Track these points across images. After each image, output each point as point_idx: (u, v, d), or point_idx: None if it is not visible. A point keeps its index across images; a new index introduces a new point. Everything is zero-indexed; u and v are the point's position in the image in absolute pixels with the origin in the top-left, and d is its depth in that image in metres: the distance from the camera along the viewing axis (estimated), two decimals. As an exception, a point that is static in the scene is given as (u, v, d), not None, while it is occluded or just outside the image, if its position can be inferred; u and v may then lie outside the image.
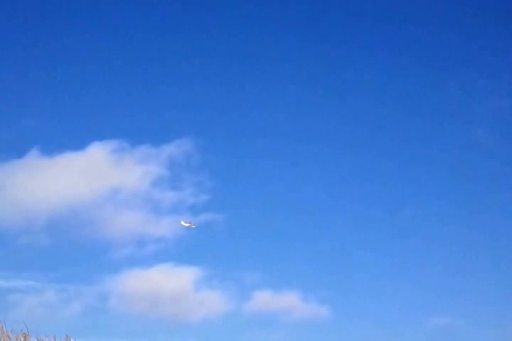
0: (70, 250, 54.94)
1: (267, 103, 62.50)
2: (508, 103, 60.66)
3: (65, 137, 59.97)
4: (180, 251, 56.45)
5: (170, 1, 66.09)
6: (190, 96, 62.46)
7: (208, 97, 62.30)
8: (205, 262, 55.37)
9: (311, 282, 55.26)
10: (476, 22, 63.30)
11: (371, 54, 63.91)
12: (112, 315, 52.37)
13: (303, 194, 60.39)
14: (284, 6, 65.05)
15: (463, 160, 60.01)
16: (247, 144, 61.45)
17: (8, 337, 30.29)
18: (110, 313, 52.70)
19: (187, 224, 52.08)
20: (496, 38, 62.67)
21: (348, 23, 64.52)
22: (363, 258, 56.75)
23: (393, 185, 60.44)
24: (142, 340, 49.70)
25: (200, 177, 58.80)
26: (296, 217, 59.34)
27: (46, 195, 55.96)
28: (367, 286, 55.34)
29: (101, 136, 59.26)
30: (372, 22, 64.20)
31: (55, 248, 54.75)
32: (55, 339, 31.37)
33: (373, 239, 57.56)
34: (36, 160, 57.33)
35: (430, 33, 63.90)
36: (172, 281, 55.08)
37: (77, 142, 58.64)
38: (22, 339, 30.62)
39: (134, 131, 61.09)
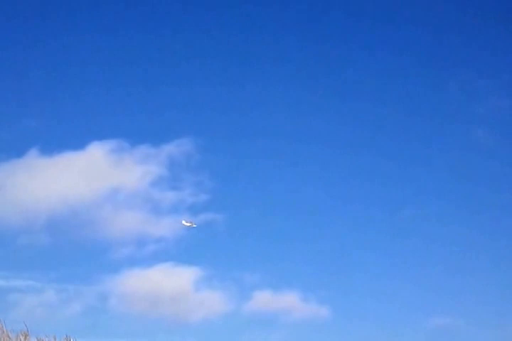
0: (70, 250, 54.97)
1: (267, 103, 62.53)
2: (508, 103, 60.73)
3: (64, 137, 59.95)
4: (180, 251, 56.52)
5: (170, 0, 66.18)
6: (190, 96, 62.50)
7: (208, 97, 62.34)
8: (205, 262, 55.43)
9: (311, 282, 55.31)
10: (476, 22, 63.41)
11: (371, 54, 63.99)
12: (112, 315, 52.40)
13: (303, 194, 60.44)
14: (284, 6, 65.11)
15: (463, 160, 60.04)
16: (247, 144, 61.49)
17: (8, 336, 30.27)
18: (110, 313, 52.72)
19: (188, 224, 52.01)
20: (496, 37, 62.77)
21: (348, 23, 64.60)
22: (363, 258, 56.82)
23: (393, 185, 60.47)
24: (142, 340, 49.74)
25: (200, 177, 58.84)
26: (296, 217, 59.40)
27: (46, 194, 55.98)
28: (367, 286, 55.41)
29: (100, 135, 59.25)
30: (372, 22, 64.26)
31: (54, 248, 54.77)
32: (55, 339, 31.35)
33: (373, 239, 57.61)
34: (36, 159, 57.36)
35: (430, 33, 64.02)
36: (172, 281, 55.13)
37: (77, 142, 58.63)
38: (22, 339, 30.59)
39: (133, 130, 61.06)
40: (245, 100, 62.76)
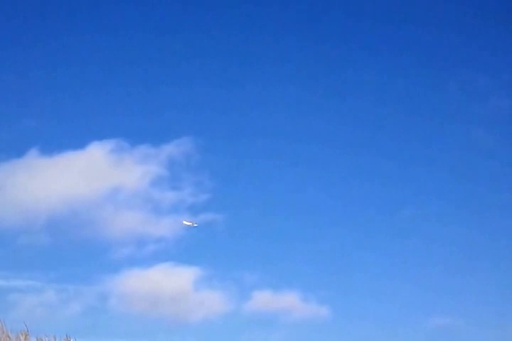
0: (70, 250, 54.99)
1: (267, 103, 62.62)
2: (508, 103, 60.74)
3: (64, 137, 60.04)
4: (180, 251, 56.53)
5: (170, 0, 66.22)
6: (190, 96, 62.57)
7: (208, 97, 62.39)
8: (205, 262, 55.44)
9: (311, 282, 55.33)
10: (476, 22, 63.46)
11: (371, 54, 64.07)
12: (112, 315, 52.44)
13: (303, 194, 60.50)
14: (284, 6, 65.23)
15: (463, 160, 60.11)
16: (247, 144, 61.56)
17: (8, 336, 30.26)
18: (110, 313, 52.76)
19: (189, 223, 52.08)
20: (496, 37, 62.80)
21: (348, 23, 64.72)
22: (363, 258, 56.83)
23: (393, 185, 60.54)
24: (142, 340, 49.76)
25: (199, 177, 58.87)
26: (296, 216, 59.45)
27: (46, 194, 55.98)
28: (367, 286, 55.42)
29: (100, 135, 59.34)
30: (372, 22, 64.38)
31: (54, 248, 54.80)
32: (54, 339, 31.35)
33: (373, 239, 57.67)
34: (36, 159, 57.39)
35: (430, 33, 64.06)
36: (172, 281, 55.12)
37: (77, 142, 58.72)
38: (22, 338, 30.60)
39: (133, 130, 61.16)
40: (245, 100, 62.98)
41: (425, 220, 58.36)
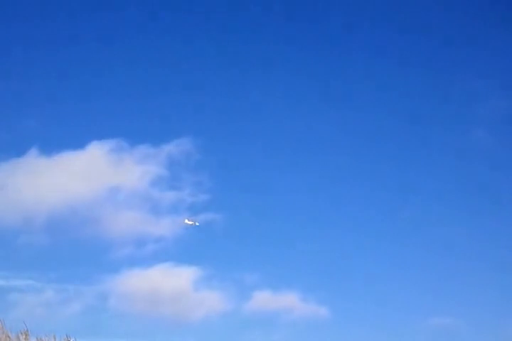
0: (70, 250, 54.95)
1: (267, 103, 62.58)
2: (508, 103, 60.70)
3: (64, 136, 59.90)
4: (179, 251, 56.52)
5: (171, 2, 66.21)
6: (189, 96, 62.49)
7: (208, 97, 62.36)
8: (204, 262, 55.37)
9: (311, 282, 55.28)
10: (476, 22, 63.46)
11: (371, 55, 64.04)
12: (112, 315, 52.42)
13: (302, 194, 60.49)
14: (285, 11, 65.24)
15: (462, 161, 60.14)
16: (247, 144, 61.52)
17: (8, 336, 30.29)
18: (110, 313, 52.75)
19: (190, 222, 52.09)
20: (496, 38, 62.76)
21: (349, 27, 64.69)
22: (362, 259, 56.89)
23: (392, 186, 60.46)
24: (142, 340, 49.74)
25: (199, 177, 58.87)
26: (295, 217, 59.41)
27: (45, 194, 55.99)
28: (366, 286, 55.40)
29: (100, 135, 59.25)
30: (372, 26, 64.43)
31: (54, 247, 54.77)
32: (54, 338, 31.39)
33: (372, 239, 57.57)
34: (35, 159, 57.34)
35: (430, 34, 64.00)
36: (172, 281, 55.14)
37: (77, 141, 58.65)
38: (22, 338, 30.62)
39: (133, 130, 61.09)
40: (245, 100, 62.90)
41: (425, 221, 58.49)
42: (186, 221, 52.41)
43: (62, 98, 61.90)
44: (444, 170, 60.30)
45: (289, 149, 61.25)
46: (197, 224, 52.05)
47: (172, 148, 59.12)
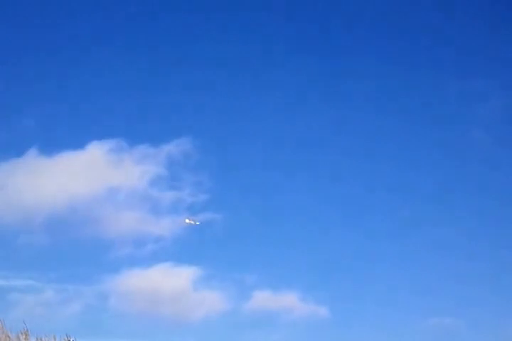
0: (70, 249, 54.95)
1: (267, 103, 62.60)
2: (508, 103, 60.71)
3: (63, 136, 59.87)
4: (179, 251, 56.53)
5: (173, 5, 66.24)
6: (189, 96, 62.47)
7: (208, 97, 62.34)
8: (204, 262, 55.35)
9: (310, 282, 55.30)
10: (476, 22, 63.49)
11: (372, 57, 63.90)
12: (112, 315, 52.38)
13: (302, 194, 60.48)
14: (285, 14, 65.24)
15: (462, 161, 60.20)
16: (247, 144, 61.51)
17: (8, 336, 30.36)
18: (110, 313, 52.70)
19: (192, 222, 52.12)
20: (496, 38, 62.77)
21: (348, 31, 64.57)
22: (362, 259, 56.79)
23: (392, 187, 60.32)
24: (142, 340, 49.73)
25: (199, 176, 58.83)
26: (295, 217, 59.37)
27: (45, 194, 55.99)
28: (365, 286, 55.34)
29: (100, 135, 59.20)
30: (371, 28, 64.35)
31: (54, 247, 54.75)
32: (54, 338, 31.48)
33: (372, 239, 57.54)
34: (35, 159, 57.30)
35: (430, 34, 64.05)
36: (171, 281, 55.17)
37: (76, 141, 58.58)
38: (22, 338, 30.68)
39: (132, 130, 61.08)
40: (245, 100, 62.90)
41: (424, 221, 58.39)
42: (187, 220, 52.46)
43: (62, 98, 62.01)
44: (443, 170, 60.42)
45: (289, 149, 61.35)
46: (197, 223, 52.12)
47: (172, 148, 59.19)
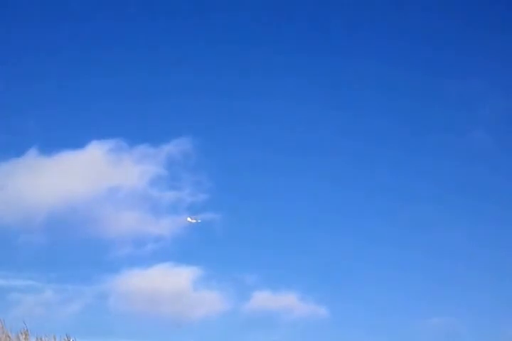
0: (69, 249, 55.00)
1: (267, 103, 62.51)
2: (508, 104, 60.71)
3: (63, 136, 59.85)
4: (179, 251, 56.59)
5: (170, 2, 66.27)
6: (189, 96, 62.50)
7: (207, 97, 62.36)
8: (204, 262, 55.38)
9: (310, 283, 55.31)
10: (476, 22, 63.58)
11: (371, 55, 64.10)
12: (112, 315, 52.42)
13: (302, 195, 60.58)
14: (285, 16, 65.35)
15: (462, 162, 60.21)
16: (246, 144, 61.61)
17: (8, 336, 30.37)
18: (109, 313, 52.73)
19: (193, 221, 52.09)
20: (496, 38, 62.79)
21: (349, 33, 65.01)
22: (362, 259, 56.91)
23: (392, 188, 60.49)
24: (142, 339, 49.73)
25: (198, 176, 58.87)
26: (295, 217, 59.37)
27: (45, 194, 56.00)
28: (365, 287, 55.35)
29: (100, 135, 59.24)
30: (372, 30, 64.56)
31: (54, 247, 54.81)
32: (54, 338, 31.48)
33: (372, 240, 57.48)
34: (35, 159, 57.34)
35: (430, 34, 64.08)
36: (171, 281, 55.18)
37: (76, 141, 58.69)
38: (22, 338, 30.69)
39: (132, 130, 61.17)
40: (244, 100, 62.94)
41: (425, 222, 58.37)
42: (189, 219, 52.43)
43: (62, 98, 62.07)
44: (443, 172, 60.38)
45: (288, 149, 61.38)
46: (199, 221, 52.08)
47: (171, 147, 59.24)
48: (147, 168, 59.02)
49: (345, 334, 52.56)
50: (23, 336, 30.71)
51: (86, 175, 57.93)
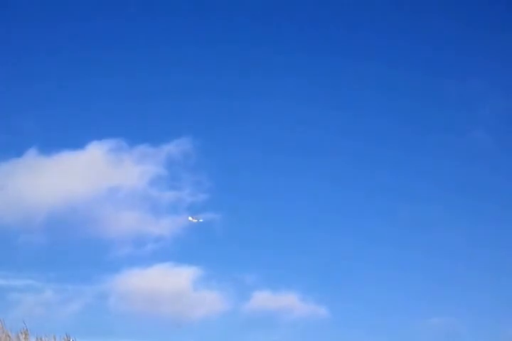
0: (69, 249, 55.01)
1: (266, 103, 62.56)
2: (508, 103, 60.73)
3: (63, 136, 59.94)
4: (179, 251, 56.61)
5: (170, 2, 66.27)
6: (189, 97, 62.57)
7: (207, 97, 62.41)
8: (204, 262, 55.41)
9: (310, 283, 55.31)
10: (476, 23, 63.58)
11: (371, 55, 64.07)
12: (112, 315, 52.43)
13: (302, 195, 60.57)
14: (285, 17, 65.37)
15: (462, 161, 60.23)
16: (246, 144, 61.65)
17: (8, 336, 30.38)
18: (109, 312, 52.74)
19: (194, 220, 52.06)
20: (496, 38, 62.81)
21: (349, 34, 65.02)
22: (362, 259, 56.91)
23: (391, 187, 60.52)
24: (142, 339, 49.72)
25: (198, 176, 58.91)
26: (295, 217, 59.44)
27: (45, 194, 56.00)
28: (365, 287, 55.37)
29: (100, 135, 59.31)
30: (373, 31, 64.63)
31: (54, 247, 54.83)
32: (54, 338, 31.49)
33: (371, 240, 57.55)
34: (35, 159, 57.40)
35: (430, 34, 64.12)
36: (171, 281, 55.16)
37: (76, 141, 58.79)
38: (22, 338, 30.70)
39: (132, 130, 61.25)
40: (244, 101, 63.02)
41: (424, 222, 58.42)
42: (190, 218, 52.40)
43: (62, 98, 62.17)
44: (443, 171, 60.44)
45: (288, 149, 61.52)
46: (201, 220, 52.04)
47: (171, 148, 59.28)
48: (147, 168, 59.12)
49: (345, 334, 52.64)
50: (23, 336, 30.72)
51: (86, 175, 58.01)
